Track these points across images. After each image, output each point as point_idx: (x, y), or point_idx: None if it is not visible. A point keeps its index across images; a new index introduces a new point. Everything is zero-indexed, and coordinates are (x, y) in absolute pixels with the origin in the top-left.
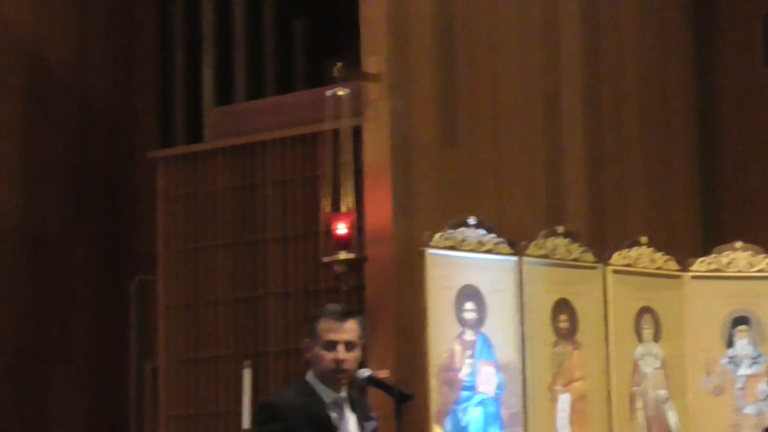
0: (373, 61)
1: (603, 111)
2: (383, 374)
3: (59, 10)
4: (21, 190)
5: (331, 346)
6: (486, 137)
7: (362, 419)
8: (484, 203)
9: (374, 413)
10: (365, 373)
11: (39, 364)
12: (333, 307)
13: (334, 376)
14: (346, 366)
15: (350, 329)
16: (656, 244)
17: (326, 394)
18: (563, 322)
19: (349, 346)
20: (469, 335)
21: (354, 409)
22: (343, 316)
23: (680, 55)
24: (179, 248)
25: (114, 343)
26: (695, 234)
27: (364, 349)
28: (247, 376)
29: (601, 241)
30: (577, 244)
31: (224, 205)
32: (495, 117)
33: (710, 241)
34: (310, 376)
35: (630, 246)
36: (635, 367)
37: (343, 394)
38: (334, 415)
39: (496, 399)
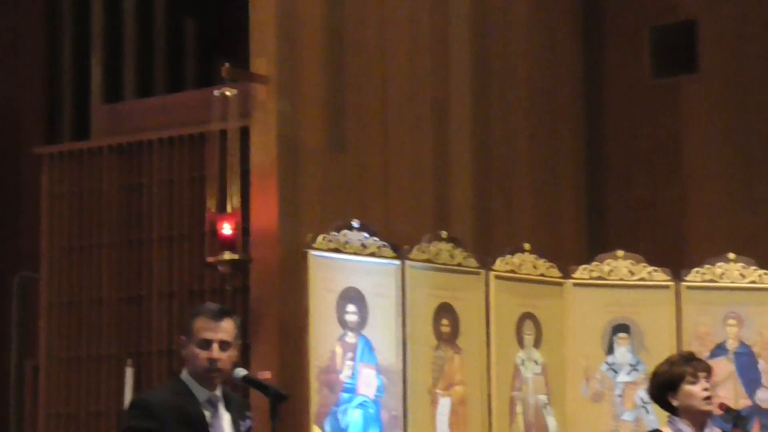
0: (261, 62)
1: (491, 119)
2: (266, 375)
3: None
4: None
5: (206, 344)
6: (374, 142)
7: (237, 418)
8: (371, 208)
9: (251, 413)
10: (241, 372)
11: None
12: (209, 305)
13: (208, 374)
14: (220, 365)
15: (226, 329)
16: (541, 252)
17: (200, 393)
18: (445, 326)
19: (224, 345)
20: (350, 337)
21: (229, 408)
22: (219, 315)
23: (569, 66)
24: (63, 246)
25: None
26: (580, 243)
27: (243, 349)
28: (129, 375)
29: (487, 248)
30: (460, 249)
31: (109, 203)
32: (383, 122)
33: (595, 250)
34: (184, 375)
35: (513, 252)
36: (516, 372)
37: (218, 392)
38: (207, 413)
39: (377, 402)
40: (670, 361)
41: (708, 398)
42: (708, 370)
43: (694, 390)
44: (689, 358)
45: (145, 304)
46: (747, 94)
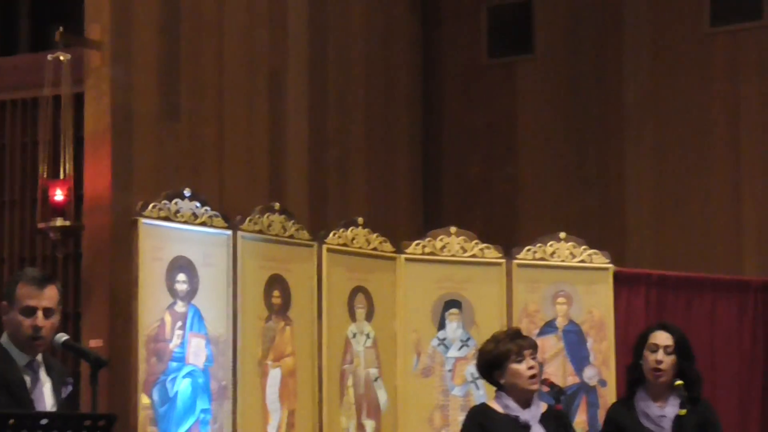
0: (95, 28)
1: (328, 93)
2: (97, 344)
3: None
4: None
5: (30, 311)
6: (209, 112)
7: (58, 383)
8: (205, 178)
9: (71, 378)
10: (62, 338)
11: None
12: (32, 272)
13: (31, 342)
14: (44, 333)
15: (49, 296)
16: (375, 227)
17: (20, 358)
18: (276, 297)
19: (47, 312)
20: (180, 307)
21: (50, 374)
22: (43, 282)
23: (407, 44)
24: None
25: None
26: (415, 219)
27: (74, 317)
28: None
29: (321, 221)
30: (292, 222)
31: None
32: (219, 92)
33: (430, 227)
34: (4, 339)
35: (347, 226)
36: (347, 345)
37: (39, 358)
38: (28, 378)
39: (206, 371)
40: (495, 339)
41: (533, 377)
42: (534, 348)
43: (520, 369)
44: (515, 336)
45: None
46: (580, 76)
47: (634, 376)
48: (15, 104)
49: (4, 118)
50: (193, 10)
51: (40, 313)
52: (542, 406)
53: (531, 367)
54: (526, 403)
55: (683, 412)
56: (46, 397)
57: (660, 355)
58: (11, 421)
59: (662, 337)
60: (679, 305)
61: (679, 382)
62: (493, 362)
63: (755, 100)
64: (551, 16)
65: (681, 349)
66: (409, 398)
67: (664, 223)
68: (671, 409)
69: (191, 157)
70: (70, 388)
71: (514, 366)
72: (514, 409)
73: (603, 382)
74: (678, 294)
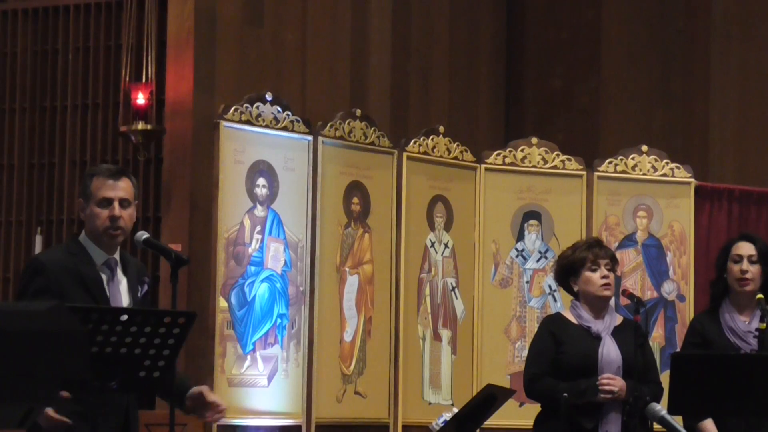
0: None
1: (412, 2)
2: (175, 248)
3: None
4: None
5: (106, 203)
6: (292, 17)
7: (135, 282)
8: (286, 82)
9: (148, 277)
10: (143, 235)
11: None
12: (106, 166)
13: (110, 232)
14: (121, 223)
15: (124, 187)
16: (456, 136)
17: (97, 255)
18: (355, 204)
19: (124, 203)
20: (259, 211)
21: (126, 272)
22: (117, 174)
23: None
24: None
25: None
26: (497, 130)
27: (155, 220)
28: (38, 242)
29: (402, 129)
30: (373, 129)
31: (22, 68)
32: None
33: (511, 137)
34: (83, 237)
35: (428, 134)
36: (425, 254)
37: (116, 256)
38: (104, 276)
39: (284, 276)
40: (574, 247)
41: (606, 285)
42: (611, 258)
43: (593, 276)
44: (593, 245)
45: (57, 172)
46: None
47: (718, 289)
48: (99, 7)
49: (88, 21)
50: None
51: (116, 204)
52: (618, 319)
53: (604, 276)
54: (599, 313)
55: (763, 326)
56: (122, 295)
57: (744, 264)
58: (93, 315)
59: (746, 248)
60: (761, 220)
61: (759, 295)
62: (569, 268)
63: None
64: None
65: (765, 258)
66: (486, 309)
67: (747, 139)
68: (757, 323)
69: (273, 61)
70: (146, 287)
71: (588, 273)
72: (586, 319)
73: (682, 297)
74: (760, 209)
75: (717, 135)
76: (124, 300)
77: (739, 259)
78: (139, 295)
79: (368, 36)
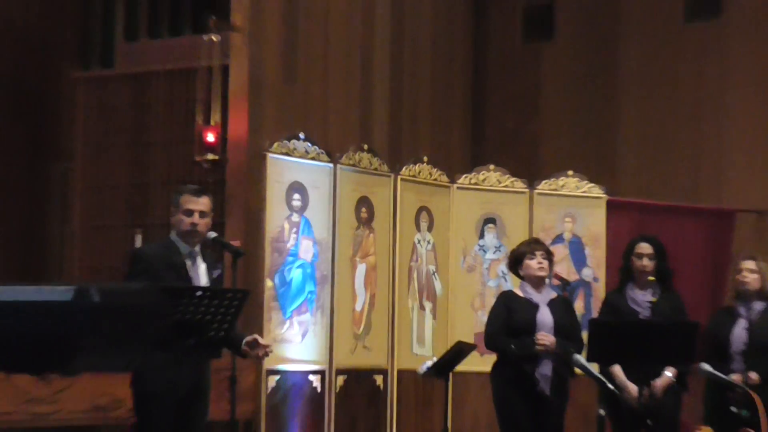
0: (237, 17)
1: (404, 62)
2: (235, 243)
3: None
4: None
5: (189, 213)
6: (317, 78)
7: (211, 267)
8: (313, 125)
9: (220, 265)
10: (212, 235)
11: None
12: (191, 186)
13: (190, 234)
14: (199, 228)
15: (204, 202)
16: (436, 163)
17: (183, 248)
18: (363, 213)
19: (202, 214)
20: (295, 217)
21: (204, 260)
22: (199, 192)
23: (462, 31)
24: (91, 146)
25: (43, 214)
26: (466, 159)
27: (220, 225)
28: (138, 240)
29: (397, 158)
30: (376, 158)
31: (125, 117)
32: (325, 63)
33: (476, 163)
34: (173, 235)
35: (415, 162)
36: (413, 248)
37: (197, 249)
38: (189, 262)
39: (312, 264)
40: (520, 244)
41: (541, 268)
42: (545, 251)
43: (532, 263)
44: (532, 242)
45: (151, 190)
46: (589, 58)
47: (624, 274)
48: (181, 72)
49: (172, 82)
50: (307, 4)
51: (196, 214)
52: (552, 294)
53: (540, 263)
54: (538, 290)
55: (654, 300)
56: (201, 277)
57: (644, 260)
58: (178, 292)
59: (645, 247)
60: (656, 225)
61: (652, 278)
62: (516, 259)
63: (738, 76)
64: (569, 11)
65: (658, 254)
66: (457, 287)
67: (646, 167)
68: (650, 295)
69: (303, 109)
70: (218, 271)
71: (528, 261)
72: (530, 294)
73: (596, 279)
74: (655, 217)
75: (623, 164)
76: (203, 280)
77: (640, 256)
78: (213, 277)
79: (372, 90)
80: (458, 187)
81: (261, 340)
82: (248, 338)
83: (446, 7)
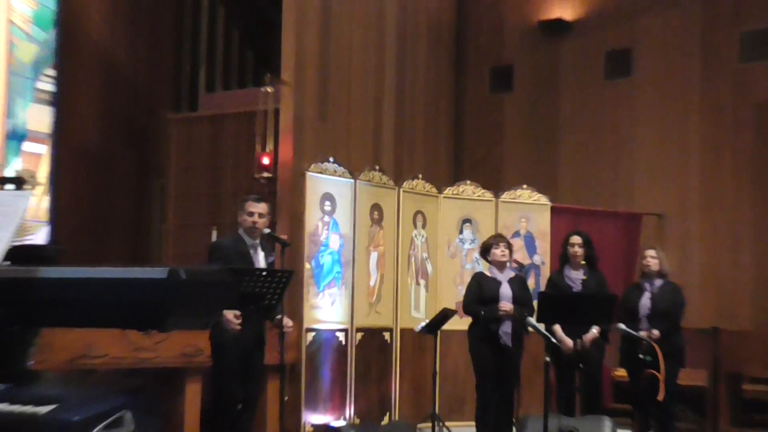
0: (286, 74)
1: (405, 106)
2: (284, 237)
3: (124, 23)
4: (96, 129)
5: (251, 214)
6: (342, 117)
7: (267, 255)
8: (339, 152)
9: (273, 253)
10: (267, 230)
11: (100, 231)
12: (254, 195)
13: (252, 230)
14: (258, 226)
15: (262, 207)
16: (428, 179)
17: (248, 240)
18: (375, 215)
19: (260, 215)
20: (326, 218)
21: (263, 250)
22: (259, 200)
23: (447, 88)
24: (181, 168)
25: (147, 216)
26: (449, 176)
27: (273, 224)
28: (214, 234)
29: (399, 175)
30: (385, 176)
31: (205, 146)
32: (348, 106)
33: (457, 179)
34: (240, 230)
35: (412, 178)
36: (412, 240)
37: (257, 241)
38: (252, 251)
39: (339, 252)
40: (488, 238)
41: (503, 255)
42: (506, 242)
43: (496, 251)
44: (497, 237)
45: (223, 198)
46: (538, 104)
47: (562, 260)
48: (245, 114)
49: (239, 121)
50: (336, 66)
51: (256, 215)
52: (511, 274)
53: (502, 252)
54: (501, 271)
55: (585, 277)
56: (260, 261)
57: (576, 249)
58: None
59: (576, 239)
60: (585, 224)
61: (583, 262)
62: (485, 248)
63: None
64: (524, 70)
65: (587, 244)
66: (443, 269)
67: (578, 183)
68: (582, 275)
69: (333, 139)
70: (272, 258)
71: (494, 250)
72: (495, 274)
73: (543, 263)
74: (585, 218)
75: (562, 180)
76: (261, 264)
77: (573, 245)
78: (268, 261)
79: (382, 126)
80: (444, 197)
81: (286, 321)
82: (281, 317)
83: (435, 67)
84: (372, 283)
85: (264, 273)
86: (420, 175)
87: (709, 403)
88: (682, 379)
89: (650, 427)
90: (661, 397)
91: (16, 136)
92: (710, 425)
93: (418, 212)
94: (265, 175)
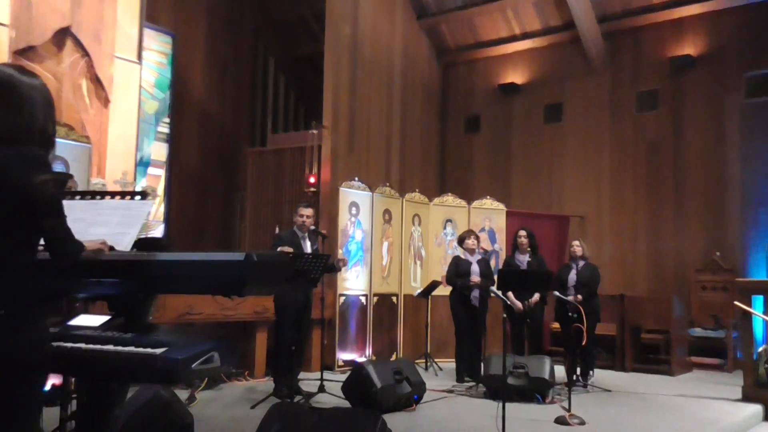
0: (326, 121)
1: (406, 140)
2: (324, 232)
3: (216, 85)
4: (197, 158)
5: (302, 216)
6: (364, 149)
7: (313, 244)
8: (362, 173)
9: (317, 243)
10: (312, 227)
11: (199, 228)
12: (304, 202)
13: (302, 227)
14: (307, 224)
15: (309, 211)
16: (423, 192)
17: (299, 233)
18: (387, 218)
19: (308, 217)
20: (353, 219)
21: (309, 240)
22: (307, 206)
23: (434, 126)
24: (255, 184)
25: (231, 217)
26: (437, 189)
27: (317, 223)
28: (277, 229)
29: (402, 188)
30: (393, 190)
31: (271, 171)
32: (368, 142)
33: (442, 191)
34: (294, 227)
35: (412, 191)
36: (411, 235)
37: (306, 234)
38: (302, 242)
39: (362, 241)
40: (462, 232)
41: (473, 244)
42: (475, 235)
43: (468, 241)
44: (469, 231)
45: (284, 206)
46: (500, 141)
47: (514, 247)
48: (299, 149)
49: (294, 154)
50: (359, 115)
51: (305, 217)
52: (479, 257)
53: (472, 241)
54: (472, 255)
55: (530, 260)
56: (308, 248)
57: (523, 239)
58: (297, 256)
59: (523, 233)
60: (534, 224)
61: (528, 249)
62: (460, 239)
63: (571, 147)
64: (487, 121)
65: (530, 237)
66: (433, 254)
67: (526, 194)
68: (527, 258)
69: (357, 165)
70: (315, 246)
71: (466, 240)
72: (468, 257)
73: (501, 249)
74: (529, 219)
75: (514, 193)
76: (308, 250)
77: (521, 236)
78: (313, 249)
79: (391, 154)
80: (433, 204)
81: (340, 256)
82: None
83: (427, 116)
84: (384, 263)
85: (310, 256)
86: (417, 190)
87: (618, 347)
88: (599, 330)
89: (577, 364)
90: (584, 343)
91: (143, 164)
92: (619, 362)
93: (415, 215)
94: (312, 189)
